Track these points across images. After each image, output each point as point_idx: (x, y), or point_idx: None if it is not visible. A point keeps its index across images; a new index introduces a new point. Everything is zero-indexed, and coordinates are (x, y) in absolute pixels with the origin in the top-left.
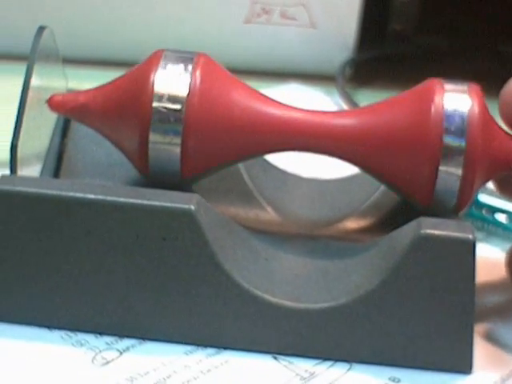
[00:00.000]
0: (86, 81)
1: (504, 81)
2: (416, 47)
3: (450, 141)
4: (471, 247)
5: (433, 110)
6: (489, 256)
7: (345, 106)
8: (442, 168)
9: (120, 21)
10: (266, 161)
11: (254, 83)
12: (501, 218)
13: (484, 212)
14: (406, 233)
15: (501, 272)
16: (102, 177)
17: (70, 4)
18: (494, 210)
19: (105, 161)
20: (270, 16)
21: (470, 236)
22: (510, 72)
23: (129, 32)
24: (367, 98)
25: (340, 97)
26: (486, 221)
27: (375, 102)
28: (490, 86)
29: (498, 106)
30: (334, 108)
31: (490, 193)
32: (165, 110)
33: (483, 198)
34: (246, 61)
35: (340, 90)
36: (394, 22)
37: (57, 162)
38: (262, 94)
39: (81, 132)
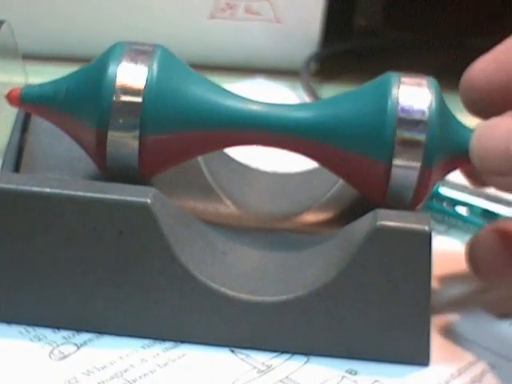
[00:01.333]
0: (47, 77)
1: None
2: (381, 42)
3: (405, 135)
4: (427, 238)
5: (389, 103)
6: (449, 248)
7: (309, 101)
8: (397, 163)
9: (81, 16)
10: (226, 155)
11: (218, 78)
12: (461, 210)
13: (445, 205)
14: (362, 225)
15: (461, 264)
16: (63, 171)
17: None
18: (454, 202)
19: (65, 155)
20: (234, 11)
21: (426, 227)
22: None
23: (91, 27)
24: (332, 92)
25: (304, 91)
26: (446, 213)
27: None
28: (454, 79)
29: (460, 86)
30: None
31: (451, 186)
32: (122, 103)
33: (444, 190)
34: (210, 56)
35: (304, 85)
36: (359, 17)
37: (17, 156)
38: (220, 87)
39: (41, 126)
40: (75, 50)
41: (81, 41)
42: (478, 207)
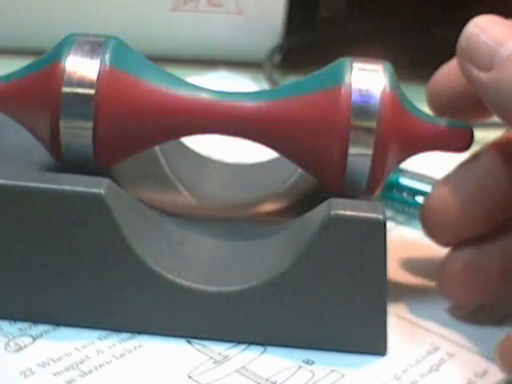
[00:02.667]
0: (3, 69)
1: (436, 63)
2: (345, 33)
3: (359, 121)
4: (382, 227)
5: (342, 89)
6: (410, 238)
7: None
8: (351, 149)
9: (40, 7)
10: (185, 146)
11: (181, 71)
12: (421, 200)
13: (405, 195)
14: (316, 214)
15: (420, 254)
16: (19, 163)
17: None
18: (414, 192)
19: (22, 147)
20: (196, 3)
21: (381, 216)
22: (443, 54)
23: (50, 19)
24: None
25: (267, 83)
26: (406, 203)
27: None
28: (420, 68)
29: (426, 89)
30: None
31: (411, 176)
32: (74, 95)
33: (404, 180)
34: (173, 48)
35: (267, 77)
36: (323, 8)
37: None
38: (174, 76)
39: None
40: (33, 42)
41: (40, 33)
42: None
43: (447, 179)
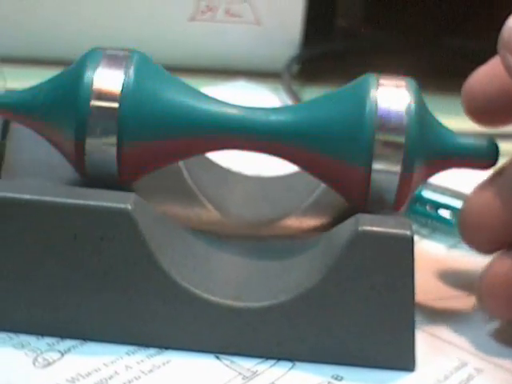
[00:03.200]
0: (26, 80)
1: (449, 73)
2: (362, 43)
3: (385, 137)
4: (409, 243)
5: (367, 105)
6: (432, 252)
7: (290, 104)
8: (377, 166)
9: (60, 18)
10: (208, 159)
11: (199, 81)
12: (444, 213)
13: (428, 208)
14: (344, 230)
15: (444, 268)
16: (43, 177)
17: (6, 1)
18: (437, 205)
19: (45, 161)
20: (214, 13)
21: (408, 232)
22: (457, 65)
23: (70, 30)
24: (314, 94)
25: (286, 94)
26: (429, 217)
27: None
28: (436, 79)
29: (442, 100)
30: (279, 105)
31: (434, 189)
32: (99, 109)
33: (427, 193)
34: (191, 59)
35: (286, 87)
36: (340, 18)
37: None
38: (197, 91)
39: (21, 132)
40: (54, 53)
41: (60, 44)
42: None
43: (486, 184)
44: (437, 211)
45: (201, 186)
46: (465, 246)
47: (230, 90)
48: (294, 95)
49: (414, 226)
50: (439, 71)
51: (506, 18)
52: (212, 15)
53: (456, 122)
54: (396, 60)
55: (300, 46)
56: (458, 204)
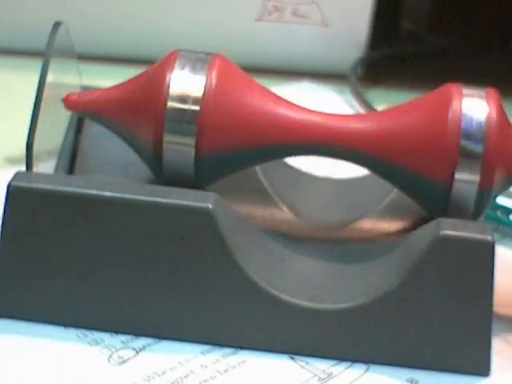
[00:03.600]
0: (100, 77)
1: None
2: (428, 46)
3: (467, 147)
4: (490, 249)
5: (450, 115)
6: (504, 257)
7: (357, 106)
8: (458, 175)
9: (133, 18)
10: (281, 160)
11: (265, 81)
12: None
13: (499, 213)
14: (424, 233)
15: None
16: (116, 175)
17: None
18: (509, 211)
19: (119, 159)
20: (281, 14)
21: (490, 237)
22: None
23: (141, 29)
24: (379, 97)
25: (352, 96)
26: (501, 222)
27: (388, 102)
28: (501, 86)
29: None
30: (346, 107)
31: (506, 194)
32: (179, 111)
33: (498, 199)
34: (257, 59)
35: (352, 89)
36: (406, 21)
37: (71, 159)
38: (278, 97)
39: (95, 129)
40: (129, 52)
41: (134, 43)
42: None
43: None
44: (508, 217)
45: (275, 186)
46: None
47: (295, 91)
48: (360, 97)
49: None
50: (505, 77)
51: None
52: (279, 16)
53: None
54: (461, 65)
55: (366, 48)
56: None
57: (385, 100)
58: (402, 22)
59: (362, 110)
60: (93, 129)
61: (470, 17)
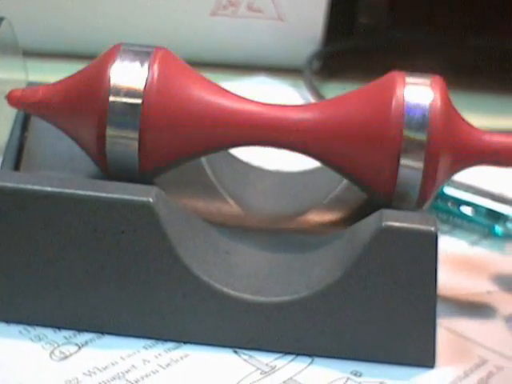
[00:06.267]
0: (47, 73)
1: (475, 73)
2: (384, 39)
3: (410, 134)
4: (433, 239)
5: (394, 102)
6: (454, 248)
7: (312, 100)
8: (403, 162)
9: (82, 13)
10: (229, 153)
11: (220, 76)
12: (466, 210)
13: (450, 205)
14: (367, 225)
15: (466, 264)
16: (63, 170)
17: None
18: (459, 202)
19: (66, 154)
20: (236, 8)
21: (433, 228)
22: (482, 65)
23: (91, 24)
24: (335, 91)
25: (307, 90)
26: (451, 213)
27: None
28: (459, 77)
29: (468, 99)
30: (301, 101)
31: (456, 186)
32: (121, 105)
33: (449, 190)
34: (212, 53)
35: (307, 83)
36: (363, 15)
37: (17, 155)
38: (221, 88)
39: (41, 125)
40: (75, 47)
41: (81, 38)
42: (483, 207)
43: None
44: (459, 208)
45: (222, 180)
46: (486, 243)
47: (250, 86)
48: (315, 91)
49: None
50: (464, 70)
51: None
52: (234, 10)
53: (481, 119)
54: (418, 58)
55: (322, 42)
56: (480, 201)
57: (341, 94)
58: (359, 16)
59: None
60: (40, 124)
61: (427, 10)
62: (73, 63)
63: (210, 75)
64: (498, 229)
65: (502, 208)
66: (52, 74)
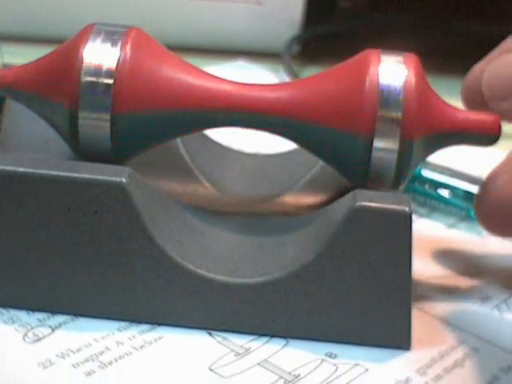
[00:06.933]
0: (23, 57)
1: (456, 56)
2: (364, 23)
3: (385, 113)
4: (408, 219)
5: (367, 80)
6: (431, 231)
7: None
8: (377, 142)
9: None
10: (205, 136)
11: (199, 60)
12: (444, 193)
13: (427, 187)
14: (341, 205)
15: (443, 247)
16: (38, 152)
17: None
18: (437, 185)
19: (41, 136)
20: None
21: (407, 208)
22: (462, 48)
23: (67, 7)
24: None
25: (286, 74)
26: (428, 196)
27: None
28: (440, 61)
29: (447, 82)
30: None
31: (434, 168)
32: (93, 85)
33: (426, 173)
34: (191, 38)
35: (286, 68)
36: None
37: None
38: (196, 68)
39: (17, 107)
40: (50, 31)
41: (56, 22)
42: (461, 189)
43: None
44: (436, 190)
45: (198, 163)
46: (463, 225)
47: (229, 70)
48: (294, 75)
49: (413, 205)
50: (444, 54)
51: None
52: None
53: (458, 103)
54: (398, 42)
55: (301, 26)
56: (457, 183)
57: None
58: (339, 0)
59: None
60: (15, 106)
61: None
62: (49, 47)
63: (188, 60)
64: None
65: None
66: (28, 57)
